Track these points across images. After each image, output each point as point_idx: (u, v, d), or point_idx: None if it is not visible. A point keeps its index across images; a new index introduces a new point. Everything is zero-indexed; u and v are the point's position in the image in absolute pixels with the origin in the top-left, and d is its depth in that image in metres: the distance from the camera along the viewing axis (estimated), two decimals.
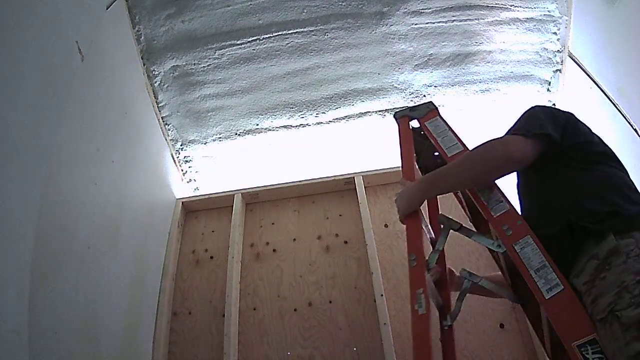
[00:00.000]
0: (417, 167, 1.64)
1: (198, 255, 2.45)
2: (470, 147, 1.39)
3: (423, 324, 1.14)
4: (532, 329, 1.91)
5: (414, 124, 1.67)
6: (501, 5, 2.28)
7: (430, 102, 1.69)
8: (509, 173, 1.28)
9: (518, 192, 1.41)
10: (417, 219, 1.37)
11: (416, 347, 1.12)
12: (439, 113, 1.63)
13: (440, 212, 1.59)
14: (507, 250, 1.17)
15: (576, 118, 1.35)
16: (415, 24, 2.31)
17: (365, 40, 2.34)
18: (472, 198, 1.32)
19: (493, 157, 1.24)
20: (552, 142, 1.22)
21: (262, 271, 2.34)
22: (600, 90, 2.10)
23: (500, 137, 1.28)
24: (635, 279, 0.92)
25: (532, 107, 1.36)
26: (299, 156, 2.69)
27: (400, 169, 1.58)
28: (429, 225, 1.57)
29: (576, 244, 1.10)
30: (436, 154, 1.64)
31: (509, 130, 1.31)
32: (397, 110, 1.74)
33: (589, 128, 1.34)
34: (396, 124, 1.71)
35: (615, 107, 2.01)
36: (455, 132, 1.54)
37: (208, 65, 2.36)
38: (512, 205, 1.25)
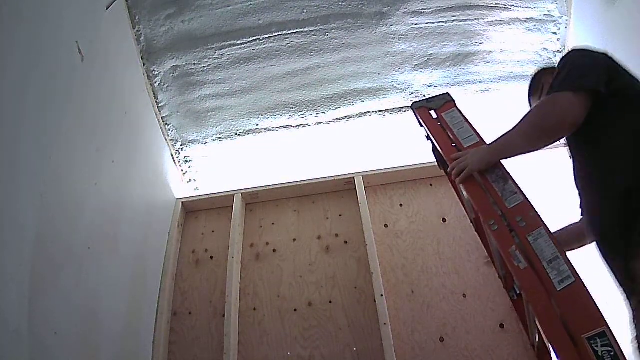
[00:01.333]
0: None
1: (198, 255, 2.45)
2: (487, 140, 1.41)
3: (528, 277, 1.12)
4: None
5: (433, 114, 1.69)
6: (501, 5, 2.28)
7: (447, 93, 1.70)
8: (565, 136, 1.27)
9: (572, 158, 1.37)
10: (476, 183, 1.37)
11: (531, 300, 1.12)
12: (455, 104, 1.64)
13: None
14: (521, 242, 1.17)
15: (614, 60, 1.29)
16: (415, 24, 2.31)
17: (365, 40, 2.34)
18: (486, 189, 1.33)
19: (547, 124, 1.21)
20: (599, 94, 1.17)
21: (262, 271, 2.34)
22: None
23: (550, 98, 1.22)
24: None
25: (571, 53, 1.31)
26: (299, 156, 2.69)
27: (441, 152, 1.57)
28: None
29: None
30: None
31: (554, 83, 1.25)
32: (415, 101, 1.76)
33: (626, 69, 1.27)
34: (415, 115, 1.74)
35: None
36: (472, 123, 1.55)
37: (208, 66, 2.37)
38: (526, 197, 1.25)
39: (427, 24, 2.32)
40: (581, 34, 2.20)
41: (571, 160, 1.37)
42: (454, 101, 1.66)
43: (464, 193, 1.49)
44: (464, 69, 2.44)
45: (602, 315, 0.98)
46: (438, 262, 2.22)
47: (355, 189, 2.44)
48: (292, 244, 2.42)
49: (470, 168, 1.37)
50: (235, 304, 2.17)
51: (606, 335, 0.93)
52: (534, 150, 1.29)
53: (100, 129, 1.80)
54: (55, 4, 1.48)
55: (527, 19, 2.30)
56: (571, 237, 1.48)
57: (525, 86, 1.70)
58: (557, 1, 2.24)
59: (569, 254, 1.12)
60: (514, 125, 1.30)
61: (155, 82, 2.38)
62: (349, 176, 2.51)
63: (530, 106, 1.55)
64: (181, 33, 2.26)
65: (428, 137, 1.70)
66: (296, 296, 2.23)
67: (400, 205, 2.45)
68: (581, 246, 1.50)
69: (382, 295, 2.05)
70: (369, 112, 2.56)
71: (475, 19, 2.32)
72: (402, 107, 2.55)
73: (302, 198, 2.58)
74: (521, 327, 1.98)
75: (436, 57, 2.42)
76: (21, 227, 1.24)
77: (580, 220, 1.46)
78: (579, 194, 1.35)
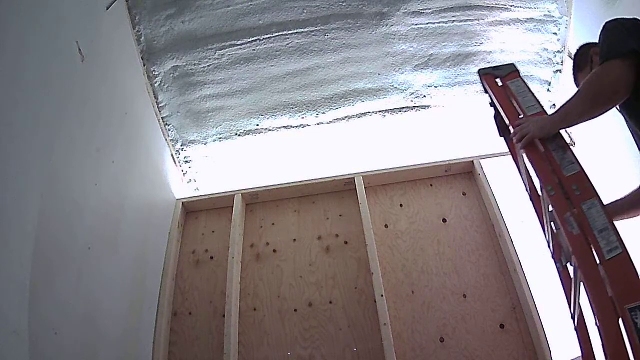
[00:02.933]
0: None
1: (198, 256, 2.45)
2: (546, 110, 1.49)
3: (580, 243, 1.16)
4: (532, 328, 1.93)
5: (498, 82, 1.73)
6: (501, 6, 2.28)
7: (512, 63, 1.75)
8: (620, 101, 1.30)
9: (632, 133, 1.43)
10: (537, 149, 1.42)
11: (580, 265, 1.16)
12: (519, 74, 1.68)
13: None
14: (576, 209, 1.21)
15: None
16: (416, 24, 2.31)
17: (366, 40, 2.34)
18: (546, 156, 1.37)
19: (604, 91, 1.26)
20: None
21: (262, 271, 2.34)
22: None
23: (602, 67, 1.27)
24: None
25: (606, 25, 1.36)
26: (299, 156, 2.69)
27: (506, 117, 1.61)
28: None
29: None
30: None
31: (601, 54, 1.31)
32: (481, 68, 1.80)
33: None
34: (481, 81, 1.78)
35: (616, 107, 2.00)
36: (533, 93, 1.59)
37: (208, 66, 2.37)
38: (583, 168, 1.30)
39: (427, 24, 2.32)
40: (581, 34, 2.20)
41: (631, 129, 1.43)
42: (518, 71, 1.70)
43: (525, 159, 1.53)
44: (464, 69, 2.44)
45: None
46: (438, 262, 2.22)
47: (355, 189, 2.45)
48: (292, 244, 2.42)
49: (532, 134, 1.42)
50: (235, 304, 2.17)
51: None
52: (593, 117, 1.33)
53: (100, 129, 1.80)
54: (55, 4, 1.49)
55: (527, 19, 2.30)
56: (627, 206, 1.53)
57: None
58: (557, 1, 2.24)
59: (619, 224, 1.16)
60: (572, 95, 1.35)
61: (156, 82, 2.38)
62: (349, 176, 2.51)
63: (577, 82, 1.61)
64: (181, 33, 2.26)
65: (491, 104, 1.74)
66: (296, 296, 2.23)
67: (400, 205, 2.46)
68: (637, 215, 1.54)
69: (382, 296, 2.05)
70: (369, 112, 2.56)
71: (475, 19, 2.32)
72: (402, 107, 2.56)
73: (302, 198, 2.58)
74: (521, 327, 1.99)
75: (436, 57, 2.42)
76: (21, 227, 1.24)
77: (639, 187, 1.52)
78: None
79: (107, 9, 1.91)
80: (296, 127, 2.59)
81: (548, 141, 1.40)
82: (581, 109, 1.34)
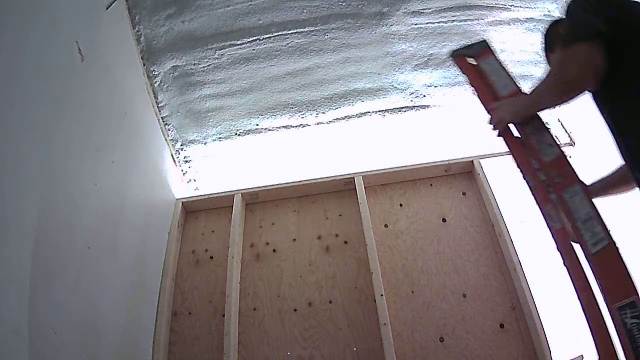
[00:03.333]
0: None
1: (198, 255, 2.45)
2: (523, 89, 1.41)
3: (563, 238, 1.10)
4: (531, 328, 1.93)
5: (472, 61, 1.65)
6: (501, 5, 2.28)
7: (484, 40, 1.66)
8: (591, 86, 1.20)
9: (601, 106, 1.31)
10: (513, 135, 1.34)
11: (566, 264, 1.10)
12: (492, 51, 1.61)
13: None
14: (558, 199, 1.13)
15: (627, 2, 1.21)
16: (415, 24, 2.31)
17: (365, 40, 2.34)
18: (525, 142, 1.31)
19: (569, 78, 1.17)
20: (606, 37, 1.10)
21: (262, 271, 2.34)
22: None
23: (566, 52, 1.17)
24: None
25: (571, 4, 1.27)
26: (299, 156, 2.69)
27: (481, 102, 1.53)
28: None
29: None
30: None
31: (563, 37, 1.21)
32: (454, 49, 1.72)
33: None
34: (456, 64, 1.70)
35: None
36: (508, 71, 1.51)
37: (208, 66, 2.37)
38: (562, 150, 1.22)
39: (427, 24, 2.32)
40: None
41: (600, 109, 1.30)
42: (490, 48, 1.62)
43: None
44: None
45: (632, 283, 0.93)
46: (438, 262, 2.22)
47: (355, 189, 2.45)
48: (292, 244, 2.42)
49: (506, 119, 1.37)
50: (235, 304, 2.17)
51: (636, 306, 0.89)
52: (565, 103, 1.28)
53: (100, 129, 1.80)
54: (55, 4, 1.48)
55: (527, 19, 2.30)
56: (610, 184, 1.44)
57: (525, 86, 1.69)
58: (557, 1, 2.24)
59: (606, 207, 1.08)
60: (543, 79, 1.28)
61: (155, 82, 2.38)
62: (349, 176, 2.51)
63: (549, 63, 1.52)
64: (181, 33, 2.26)
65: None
66: (296, 296, 2.23)
67: (400, 205, 2.46)
68: (623, 192, 1.45)
69: (382, 295, 2.05)
70: (369, 112, 2.56)
71: (475, 19, 2.32)
72: (402, 107, 2.56)
73: (302, 198, 2.58)
74: (521, 327, 1.99)
75: (436, 57, 2.42)
76: (21, 227, 1.24)
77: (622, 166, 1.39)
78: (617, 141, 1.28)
79: (107, 8, 1.90)
80: (296, 127, 2.59)
81: (525, 124, 1.32)
82: (551, 96, 1.27)
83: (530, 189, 1.23)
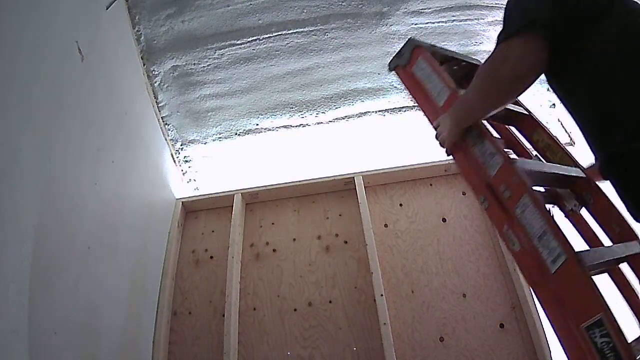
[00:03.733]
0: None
1: (198, 255, 2.45)
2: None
3: (524, 260, 0.99)
4: (531, 328, 1.93)
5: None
6: (501, 5, 2.26)
7: (410, 39, 1.44)
8: (526, 88, 1.05)
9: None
10: (461, 151, 1.20)
11: (532, 287, 1.00)
12: (423, 50, 1.39)
13: None
14: (510, 217, 1.01)
15: None
16: (415, 24, 2.31)
17: (365, 40, 2.34)
18: (470, 157, 1.17)
19: (503, 79, 1.03)
20: (554, 26, 0.97)
21: (262, 271, 2.34)
22: None
23: (499, 50, 1.03)
24: None
25: None
26: (299, 156, 2.69)
27: (428, 121, 1.36)
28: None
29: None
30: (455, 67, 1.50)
31: (500, 32, 1.06)
32: (389, 61, 1.53)
33: None
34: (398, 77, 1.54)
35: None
36: (440, 71, 1.32)
37: (208, 65, 2.37)
38: (506, 156, 1.07)
39: (427, 23, 2.31)
40: None
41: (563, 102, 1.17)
42: (419, 47, 1.39)
43: None
44: None
45: (598, 297, 0.84)
46: (438, 262, 2.22)
47: (355, 188, 2.44)
48: (292, 243, 2.42)
49: (446, 140, 1.22)
50: (235, 304, 2.17)
51: (603, 324, 0.81)
52: (502, 107, 1.13)
53: (100, 128, 1.80)
54: (55, 4, 1.48)
55: None
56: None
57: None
58: None
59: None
60: (471, 84, 1.13)
61: (155, 82, 2.38)
62: (348, 176, 2.51)
63: None
64: (181, 33, 2.26)
65: None
66: (296, 296, 2.23)
67: (400, 205, 2.46)
68: None
69: (382, 295, 2.05)
70: (369, 112, 2.56)
71: (475, 19, 2.32)
72: (402, 107, 2.55)
73: (302, 198, 2.58)
74: (521, 327, 1.99)
75: None
76: (21, 227, 1.24)
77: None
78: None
79: (107, 8, 1.90)
80: (296, 126, 2.59)
81: (466, 135, 1.17)
82: (483, 102, 1.11)
83: (485, 210, 1.11)
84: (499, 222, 1.05)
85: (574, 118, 1.10)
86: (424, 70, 1.33)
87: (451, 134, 1.20)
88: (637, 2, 1.03)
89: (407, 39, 1.45)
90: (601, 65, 0.98)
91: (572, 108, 1.10)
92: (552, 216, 0.98)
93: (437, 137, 1.27)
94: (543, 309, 0.95)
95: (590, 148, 1.08)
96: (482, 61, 1.36)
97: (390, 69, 1.52)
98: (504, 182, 1.03)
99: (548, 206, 1.27)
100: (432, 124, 1.30)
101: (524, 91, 1.05)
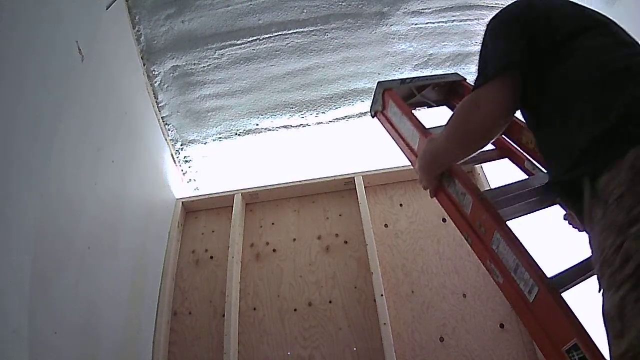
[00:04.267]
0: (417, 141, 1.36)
1: (198, 255, 2.45)
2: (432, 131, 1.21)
3: (507, 291, 1.01)
4: None
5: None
6: (501, 5, 2.26)
7: (378, 83, 1.43)
8: (501, 130, 1.06)
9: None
10: (444, 191, 1.21)
11: (514, 308, 1.03)
12: (391, 94, 1.38)
13: None
14: (489, 253, 1.04)
15: (537, 7, 1.01)
16: (415, 24, 2.31)
17: (365, 40, 2.34)
18: (449, 197, 1.19)
19: (474, 127, 1.02)
20: (524, 66, 0.95)
21: (262, 271, 2.34)
22: None
23: (472, 97, 1.01)
24: (614, 243, 0.70)
25: (490, 23, 1.07)
26: (299, 156, 2.69)
27: (409, 161, 1.39)
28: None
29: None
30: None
31: (476, 79, 1.03)
32: (370, 109, 1.55)
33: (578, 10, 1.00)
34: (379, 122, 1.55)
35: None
36: (408, 113, 1.30)
37: (208, 65, 2.37)
38: (475, 194, 1.08)
39: (427, 23, 2.32)
40: None
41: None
42: (388, 89, 1.39)
43: None
44: (463, 69, 2.44)
45: (571, 324, 0.87)
46: (438, 262, 2.22)
47: (355, 188, 2.45)
48: (292, 243, 2.42)
49: (425, 186, 1.23)
50: (235, 304, 2.17)
51: (579, 347, 0.84)
52: (474, 153, 1.12)
53: (100, 129, 1.80)
54: (55, 4, 1.48)
55: None
56: None
57: None
58: None
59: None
60: (443, 131, 1.11)
61: (155, 82, 2.38)
62: (348, 176, 2.51)
63: None
64: (181, 33, 2.26)
65: None
66: (296, 296, 2.23)
67: (400, 205, 2.46)
68: None
69: (382, 295, 2.05)
70: (369, 112, 2.56)
71: (475, 19, 2.32)
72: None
73: (302, 198, 2.58)
74: (521, 327, 1.99)
75: (436, 57, 2.42)
76: (21, 227, 1.24)
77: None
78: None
79: (107, 8, 1.90)
80: (296, 126, 2.59)
81: (441, 178, 1.18)
82: (452, 152, 1.11)
83: (470, 246, 1.13)
84: (483, 257, 1.08)
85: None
86: (396, 113, 1.32)
87: (428, 181, 1.21)
88: (613, 30, 0.96)
89: (376, 83, 1.43)
90: (558, 95, 0.93)
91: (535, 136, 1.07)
92: (526, 249, 1.00)
93: (420, 182, 1.27)
94: (530, 334, 0.98)
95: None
96: (460, 74, 1.35)
97: (372, 116, 1.53)
98: (478, 219, 1.06)
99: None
100: (413, 166, 1.30)
101: (496, 134, 1.05)
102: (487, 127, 1.01)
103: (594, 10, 1.02)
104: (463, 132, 1.05)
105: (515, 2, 1.06)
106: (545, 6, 1.01)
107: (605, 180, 0.75)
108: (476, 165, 2.45)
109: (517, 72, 0.96)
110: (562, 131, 0.88)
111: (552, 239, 1.77)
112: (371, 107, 1.51)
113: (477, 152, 1.10)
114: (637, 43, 0.95)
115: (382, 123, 1.48)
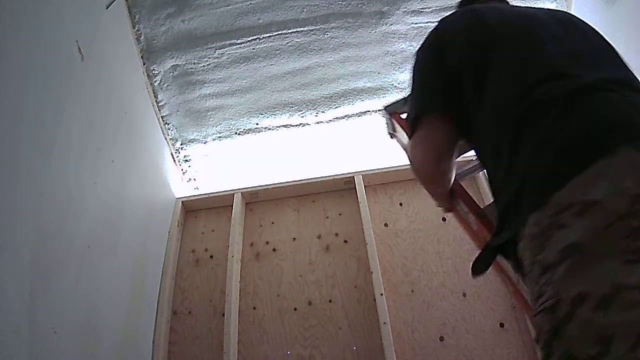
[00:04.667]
0: None
1: (198, 255, 2.45)
2: None
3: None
4: (531, 328, 1.93)
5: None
6: None
7: (384, 107, 1.47)
8: (449, 162, 1.01)
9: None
10: (456, 209, 1.22)
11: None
12: (397, 117, 1.41)
13: None
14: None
15: (449, 39, 0.95)
16: (415, 23, 2.31)
17: (365, 39, 2.34)
18: (459, 213, 1.22)
19: (424, 179, 1.06)
20: (444, 107, 0.91)
21: (262, 270, 2.34)
22: None
23: (410, 142, 1.00)
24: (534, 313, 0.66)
25: (414, 56, 1.04)
26: (298, 155, 2.69)
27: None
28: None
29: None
30: None
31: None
32: (387, 133, 1.57)
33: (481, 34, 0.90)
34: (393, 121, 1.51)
35: None
36: (396, 126, 1.33)
37: (208, 65, 2.36)
38: (475, 213, 1.10)
39: (427, 23, 2.31)
40: None
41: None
42: (393, 112, 1.41)
43: None
44: None
45: None
46: (438, 262, 2.22)
47: (355, 188, 2.44)
48: (292, 243, 2.42)
49: (437, 205, 1.24)
50: (235, 303, 2.17)
51: None
52: (447, 186, 1.10)
53: (100, 128, 1.80)
54: (55, 4, 1.48)
55: None
56: None
57: None
58: (557, 1, 2.24)
59: None
60: None
61: (155, 82, 2.38)
62: (348, 175, 2.51)
63: None
64: (181, 32, 2.26)
65: None
66: (296, 295, 2.23)
67: (400, 204, 2.46)
68: None
69: (382, 295, 2.05)
70: (369, 111, 2.56)
71: None
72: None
73: (302, 197, 2.58)
74: (521, 326, 1.99)
75: None
76: (21, 227, 1.24)
77: None
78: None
79: (107, 8, 1.90)
80: (296, 126, 2.59)
81: (451, 196, 1.19)
82: (430, 190, 1.13)
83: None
84: (496, 269, 1.09)
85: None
86: (403, 137, 1.31)
87: (438, 202, 1.22)
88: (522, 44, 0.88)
89: (383, 108, 1.45)
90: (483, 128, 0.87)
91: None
92: None
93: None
94: None
95: None
96: None
97: (390, 138, 1.54)
98: (482, 235, 1.08)
99: None
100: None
101: (453, 167, 1.03)
102: (432, 174, 1.01)
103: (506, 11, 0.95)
104: (421, 181, 1.07)
105: (433, 29, 1.02)
106: (452, 29, 0.96)
107: (520, 247, 0.72)
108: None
109: (438, 113, 0.92)
110: (494, 179, 0.84)
111: None
112: (386, 129, 1.54)
113: (462, 172, 1.09)
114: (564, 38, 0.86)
115: (399, 144, 1.51)
